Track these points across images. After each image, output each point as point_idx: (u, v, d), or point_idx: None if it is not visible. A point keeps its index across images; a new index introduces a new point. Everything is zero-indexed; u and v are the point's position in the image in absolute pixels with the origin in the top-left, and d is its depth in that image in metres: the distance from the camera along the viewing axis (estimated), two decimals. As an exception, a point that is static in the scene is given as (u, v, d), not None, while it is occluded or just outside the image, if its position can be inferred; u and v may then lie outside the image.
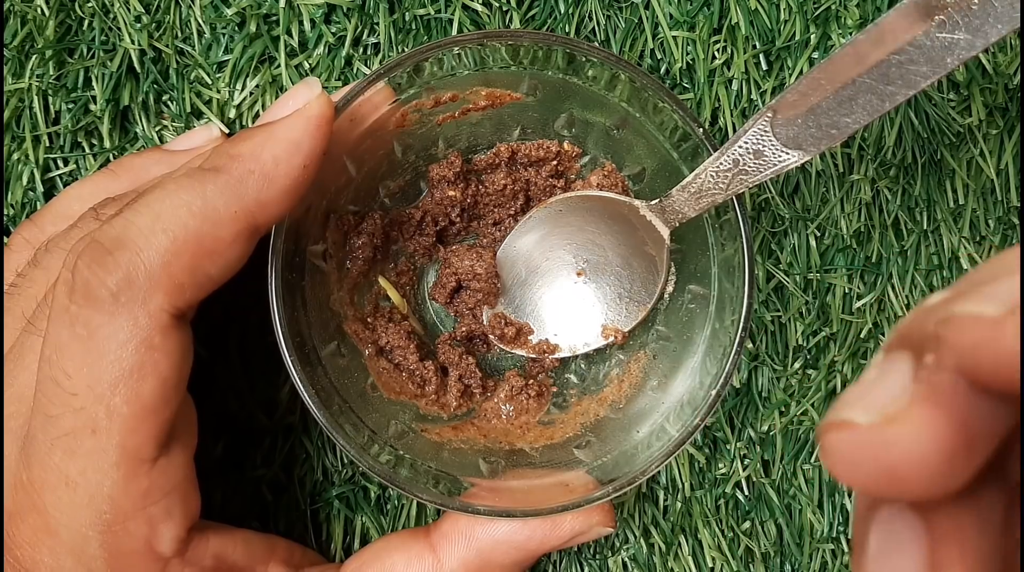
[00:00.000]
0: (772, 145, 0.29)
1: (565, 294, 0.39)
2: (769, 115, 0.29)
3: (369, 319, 0.38)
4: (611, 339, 0.38)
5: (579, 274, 0.39)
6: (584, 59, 0.33)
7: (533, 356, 0.39)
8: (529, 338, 0.39)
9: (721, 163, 0.30)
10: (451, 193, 0.38)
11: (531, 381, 0.39)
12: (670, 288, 0.38)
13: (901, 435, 0.15)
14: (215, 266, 0.29)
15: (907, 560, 0.16)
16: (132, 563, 0.29)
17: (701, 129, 0.33)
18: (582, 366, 0.40)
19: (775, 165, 0.29)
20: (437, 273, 0.40)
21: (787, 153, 0.29)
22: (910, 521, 0.16)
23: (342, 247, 0.37)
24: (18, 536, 0.29)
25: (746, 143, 0.30)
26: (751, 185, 0.30)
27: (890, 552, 0.16)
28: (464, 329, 0.39)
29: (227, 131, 0.39)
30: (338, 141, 0.33)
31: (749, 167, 0.30)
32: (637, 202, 0.35)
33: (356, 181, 0.36)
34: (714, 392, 0.33)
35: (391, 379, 0.37)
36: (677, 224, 0.34)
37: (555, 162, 0.39)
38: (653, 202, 0.35)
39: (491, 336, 0.39)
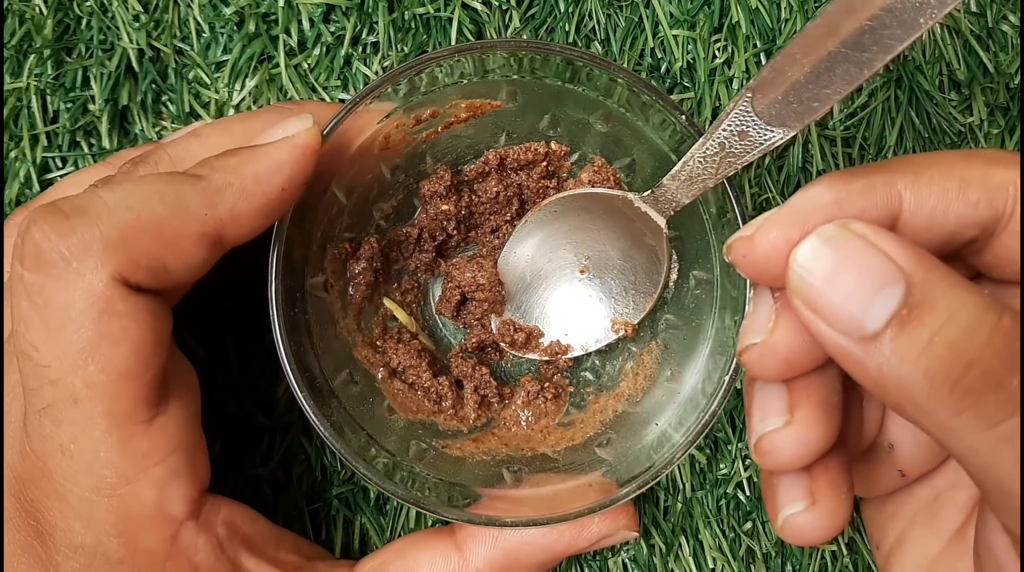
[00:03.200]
0: (756, 125, 0.29)
1: (571, 293, 0.39)
2: (749, 95, 0.28)
3: (378, 342, 0.38)
4: (621, 333, 0.38)
5: (582, 272, 0.39)
6: (581, 65, 0.33)
7: (546, 358, 0.39)
8: (540, 341, 0.39)
9: (707, 148, 0.30)
10: (445, 207, 0.38)
11: (547, 384, 0.39)
12: (674, 276, 0.38)
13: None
14: (173, 260, 0.28)
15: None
16: (143, 526, 0.29)
17: (683, 116, 0.33)
18: (596, 363, 0.40)
19: (761, 144, 0.29)
20: (442, 287, 0.40)
21: (771, 131, 0.29)
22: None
23: (342, 275, 0.37)
24: (35, 500, 0.29)
25: (729, 126, 0.29)
26: (740, 166, 0.30)
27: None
28: (474, 340, 0.39)
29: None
30: (325, 171, 0.33)
31: (736, 149, 0.30)
32: (631, 195, 0.35)
33: (348, 208, 0.36)
34: (727, 378, 0.33)
35: (407, 399, 0.37)
36: (672, 212, 0.34)
37: (545, 163, 0.38)
38: (646, 193, 0.34)
39: (502, 344, 0.39)
